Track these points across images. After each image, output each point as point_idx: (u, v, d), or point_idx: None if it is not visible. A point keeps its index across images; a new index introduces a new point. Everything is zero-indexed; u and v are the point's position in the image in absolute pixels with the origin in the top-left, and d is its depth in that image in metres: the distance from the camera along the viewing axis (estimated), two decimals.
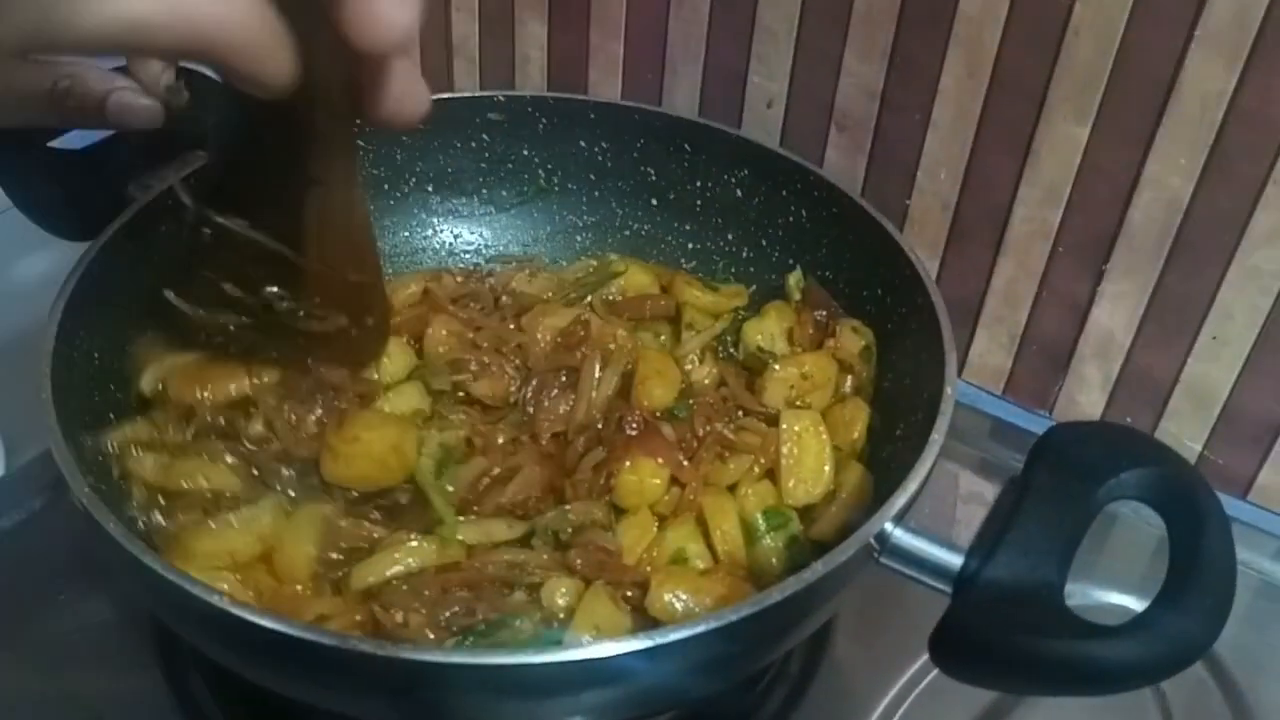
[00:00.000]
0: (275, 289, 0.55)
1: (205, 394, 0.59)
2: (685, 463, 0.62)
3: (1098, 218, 0.70)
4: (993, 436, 0.78)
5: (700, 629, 0.44)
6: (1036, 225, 0.72)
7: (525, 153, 0.78)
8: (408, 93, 0.41)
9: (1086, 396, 0.76)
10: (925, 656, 0.60)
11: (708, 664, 0.47)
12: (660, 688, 0.47)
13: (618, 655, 0.43)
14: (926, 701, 0.62)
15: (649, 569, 0.58)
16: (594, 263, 0.77)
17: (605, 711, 0.49)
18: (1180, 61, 0.63)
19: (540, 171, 0.79)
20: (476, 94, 0.78)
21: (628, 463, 0.60)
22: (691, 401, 0.66)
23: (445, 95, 0.77)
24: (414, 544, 0.56)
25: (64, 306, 0.57)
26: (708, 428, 0.64)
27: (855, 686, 0.63)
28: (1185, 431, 0.73)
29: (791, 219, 0.71)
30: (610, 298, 0.74)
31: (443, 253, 0.80)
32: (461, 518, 0.59)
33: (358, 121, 0.45)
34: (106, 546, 0.47)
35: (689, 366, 0.70)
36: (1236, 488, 0.73)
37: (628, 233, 0.79)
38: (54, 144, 0.67)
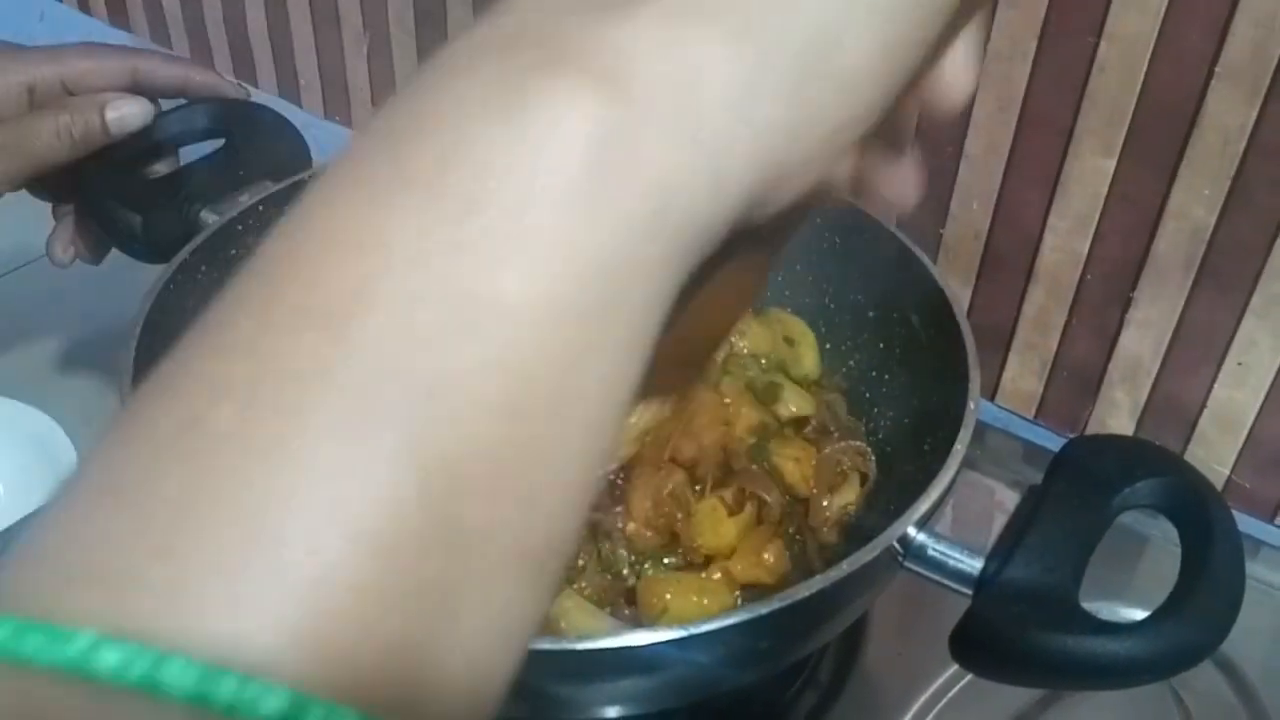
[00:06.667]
0: None
1: None
2: None
3: (1125, 247, 0.72)
4: (1025, 459, 0.80)
5: (731, 621, 0.47)
6: (1066, 254, 0.75)
7: None
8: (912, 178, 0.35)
9: (1116, 421, 0.78)
10: (954, 667, 0.62)
11: (738, 657, 0.49)
12: (692, 678, 0.49)
13: (651, 644, 0.46)
14: (954, 710, 0.64)
15: None
16: None
17: (642, 699, 0.51)
18: (1202, 96, 0.65)
19: None
20: None
21: None
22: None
23: None
24: None
25: (140, 327, 0.61)
26: None
27: (884, 694, 0.66)
28: (1213, 456, 0.75)
29: (826, 245, 0.74)
30: None
31: None
32: None
33: None
34: None
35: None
36: (1265, 511, 0.75)
37: None
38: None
